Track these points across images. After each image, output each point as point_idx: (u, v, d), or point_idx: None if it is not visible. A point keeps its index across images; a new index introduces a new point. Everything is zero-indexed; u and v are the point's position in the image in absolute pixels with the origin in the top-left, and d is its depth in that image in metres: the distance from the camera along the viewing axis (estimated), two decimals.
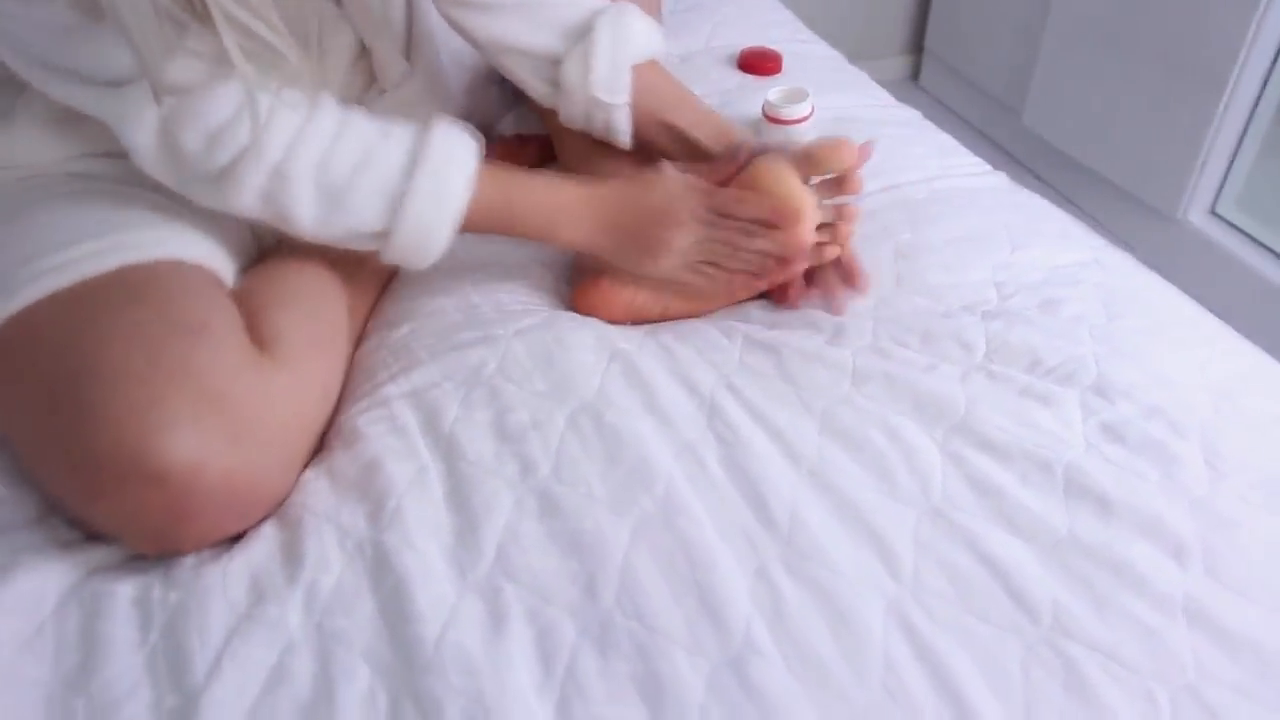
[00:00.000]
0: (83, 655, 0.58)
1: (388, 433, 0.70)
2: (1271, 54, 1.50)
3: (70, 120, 0.72)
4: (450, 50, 0.96)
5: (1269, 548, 0.60)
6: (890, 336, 0.75)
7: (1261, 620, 0.56)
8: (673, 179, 0.77)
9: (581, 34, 0.83)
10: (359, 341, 0.83)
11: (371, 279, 0.87)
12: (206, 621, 0.59)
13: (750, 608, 0.58)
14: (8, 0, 0.60)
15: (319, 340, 0.74)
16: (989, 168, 0.96)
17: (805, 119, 0.95)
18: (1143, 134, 1.68)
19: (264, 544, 0.64)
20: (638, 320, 0.81)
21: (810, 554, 0.61)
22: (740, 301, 0.82)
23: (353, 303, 0.82)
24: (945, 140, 1.01)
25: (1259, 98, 1.54)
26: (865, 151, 0.76)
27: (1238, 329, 0.78)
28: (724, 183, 0.79)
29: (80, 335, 0.62)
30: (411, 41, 0.93)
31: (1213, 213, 1.66)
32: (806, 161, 0.76)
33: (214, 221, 0.75)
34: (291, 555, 0.63)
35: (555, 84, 0.85)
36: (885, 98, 1.09)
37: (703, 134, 0.85)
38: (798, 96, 0.95)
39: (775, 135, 0.96)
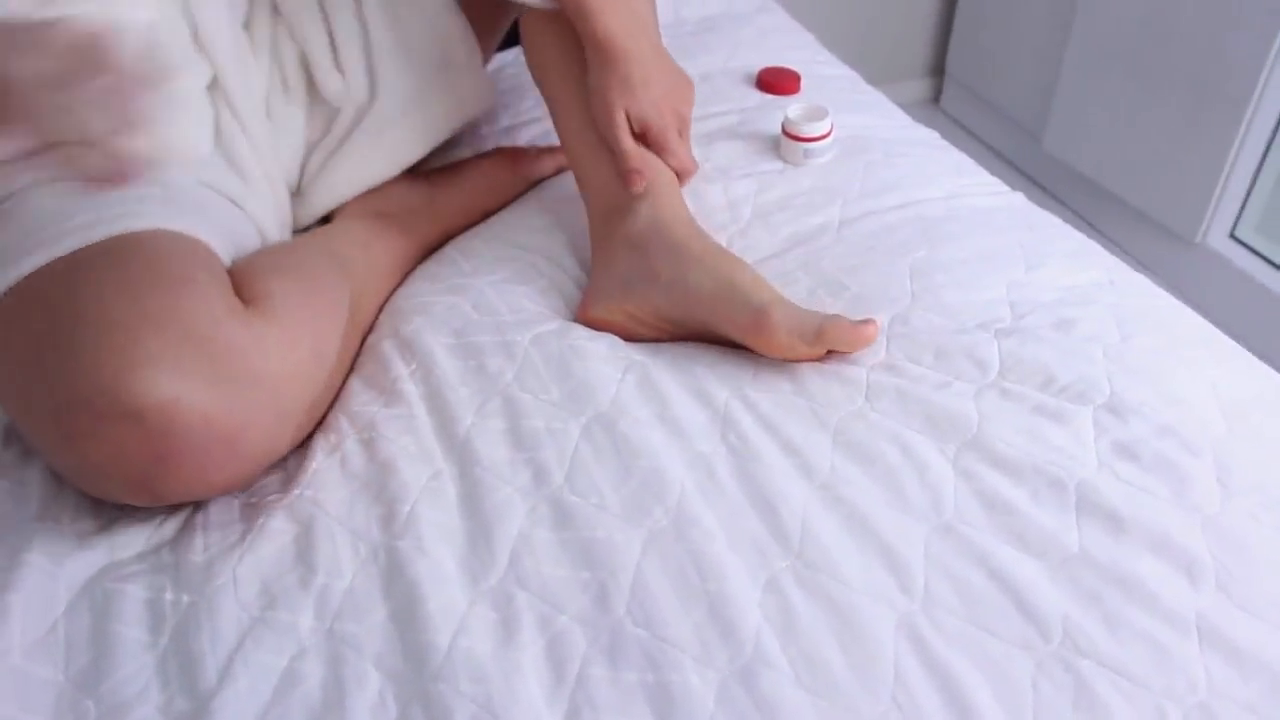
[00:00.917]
0: (94, 656, 0.59)
1: (404, 432, 0.71)
2: None
3: None
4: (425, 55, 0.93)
5: None
6: (904, 353, 0.75)
7: (1273, 639, 0.56)
8: None
9: None
10: (369, 329, 0.84)
11: (381, 272, 0.88)
12: (218, 624, 0.60)
13: (761, 619, 0.58)
14: None
15: (310, 304, 0.75)
16: (1006, 188, 0.96)
17: (824, 136, 0.96)
18: (1163, 158, 1.68)
19: (274, 544, 0.64)
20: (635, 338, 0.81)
21: (821, 567, 0.61)
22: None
23: (360, 290, 0.83)
24: (962, 160, 1.01)
25: None
26: (874, 333, 0.74)
27: (1257, 352, 0.78)
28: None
29: (68, 292, 0.63)
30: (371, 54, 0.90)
31: (1232, 236, 1.65)
32: (818, 338, 0.73)
33: (219, 213, 0.76)
34: (303, 559, 0.63)
35: None
36: (903, 118, 1.10)
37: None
38: (817, 115, 0.96)
39: (794, 151, 0.97)
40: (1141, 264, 1.76)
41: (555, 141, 0.98)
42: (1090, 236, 0.90)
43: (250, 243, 0.83)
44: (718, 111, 1.07)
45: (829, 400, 0.72)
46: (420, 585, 0.61)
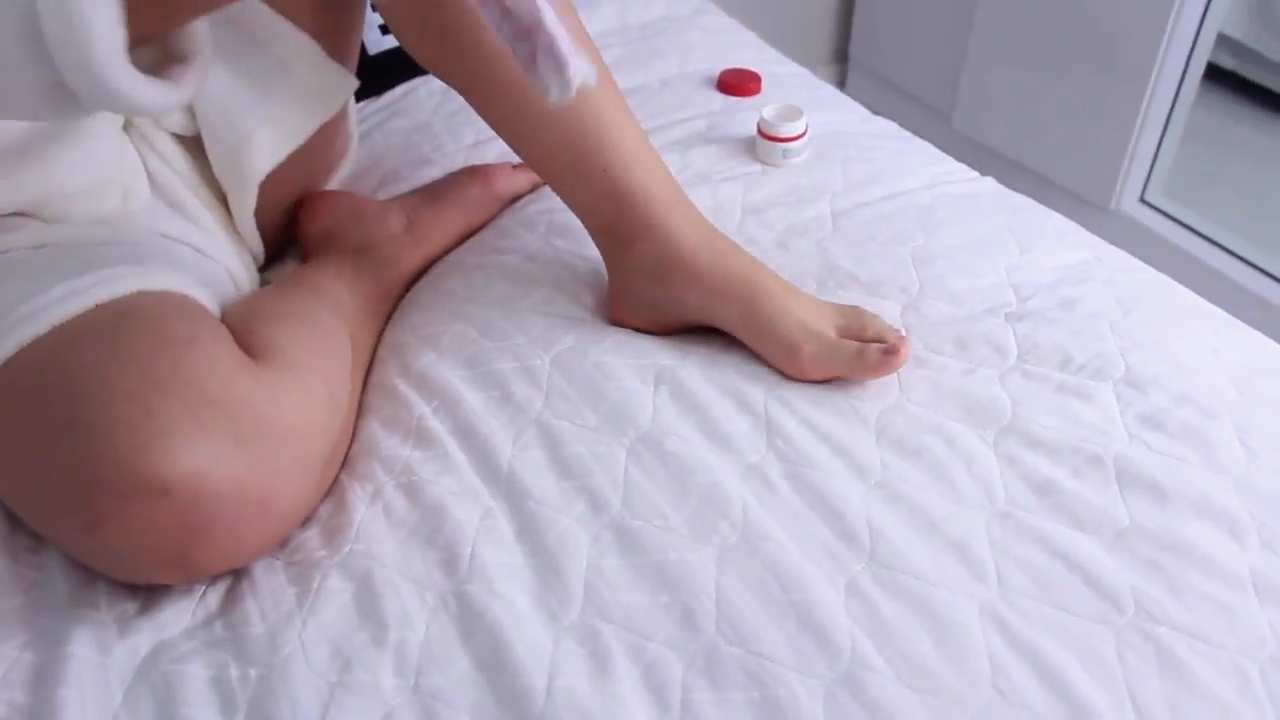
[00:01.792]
0: None
1: (443, 472, 0.69)
2: (1188, 46, 1.59)
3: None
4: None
5: None
6: (924, 343, 0.77)
7: None
8: None
9: None
10: (370, 367, 0.81)
11: (370, 307, 0.85)
12: (296, 695, 0.57)
13: (850, 623, 0.59)
14: None
15: (318, 349, 0.72)
16: (976, 173, 1.00)
17: (801, 136, 0.97)
18: (1073, 130, 1.76)
19: (335, 604, 0.62)
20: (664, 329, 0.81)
21: (895, 564, 0.62)
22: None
23: (355, 327, 0.81)
24: (929, 148, 1.04)
25: (1179, 88, 1.63)
26: (905, 357, 0.74)
27: None
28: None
29: (65, 369, 0.60)
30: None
31: (1143, 201, 1.75)
32: (850, 371, 0.74)
33: (191, 265, 0.73)
34: (370, 615, 0.61)
35: None
36: (861, 111, 1.12)
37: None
38: (792, 115, 0.97)
39: (772, 152, 0.98)
40: None
41: None
42: None
43: (226, 288, 0.80)
44: (685, 117, 1.07)
45: (865, 395, 0.73)
46: (501, 629, 0.59)
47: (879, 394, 0.73)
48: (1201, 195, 1.76)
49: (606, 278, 0.83)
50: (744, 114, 1.05)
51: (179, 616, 0.63)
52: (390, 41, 1.18)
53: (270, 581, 0.64)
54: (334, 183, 1.01)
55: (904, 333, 0.77)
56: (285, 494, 0.63)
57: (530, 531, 0.65)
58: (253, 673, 0.59)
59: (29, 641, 0.60)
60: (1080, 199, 1.80)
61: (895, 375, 0.74)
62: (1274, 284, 1.60)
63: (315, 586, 0.63)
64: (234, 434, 0.59)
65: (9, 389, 0.61)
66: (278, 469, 0.62)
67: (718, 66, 1.16)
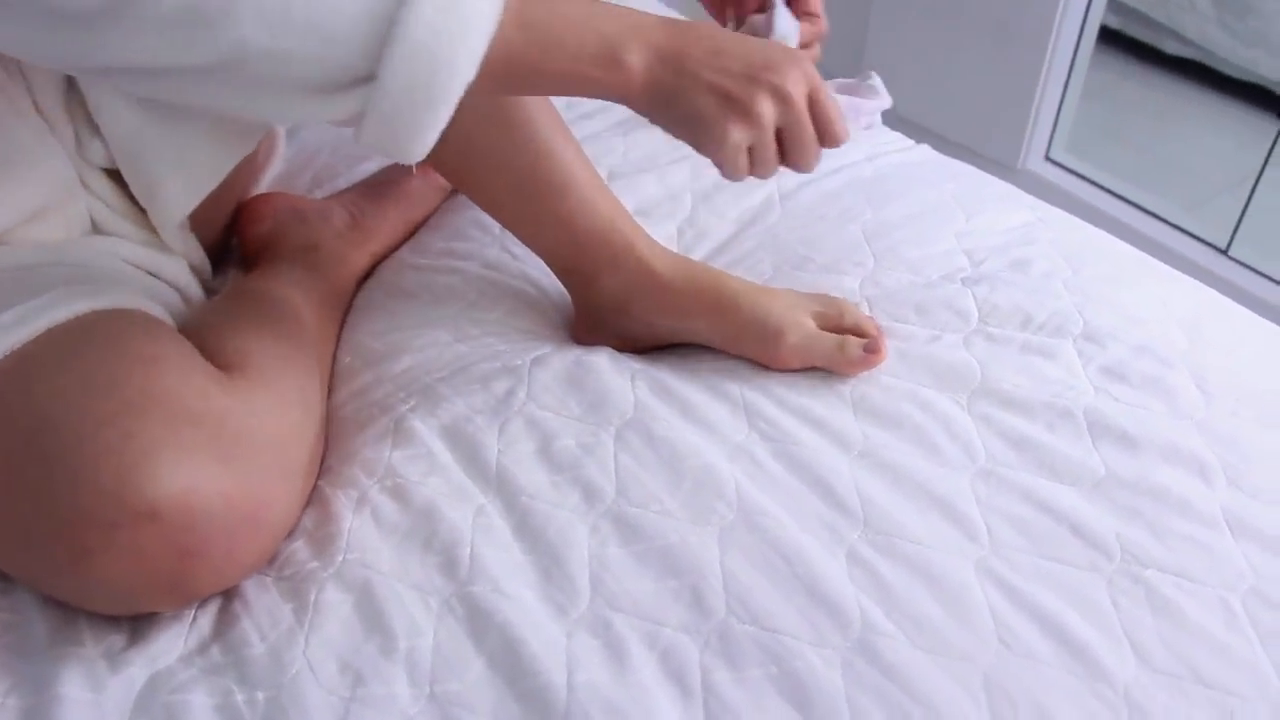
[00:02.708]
0: None
1: (429, 473, 0.68)
2: (1083, 8, 1.65)
3: None
4: None
5: (1273, 456, 0.67)
6: (886, 313, 0.79)
7: None
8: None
9: None
10: (333, 371, 0.79)
11: (325, 310, 0.83)
12: (310, 714, 0.55)
13: (856, 592, 0.60)
14: None
15: (284, 355, 0.71)
16: (911, 141, 1.02)
17: None
18: (977, 94, 1.82)
19: (336, 617, 0.60)
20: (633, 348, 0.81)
21: (890, 530, 0.63)
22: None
23: (315, 332, 0.78)
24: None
25: (1076, 48, 1.70)
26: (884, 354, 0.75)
27: None
28: None
29: (29, 396, 0.57)
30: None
31: (1048, 159, 1.81)
32: (832, 368, 0.74)
33: (139, 282, 0.71)
34: (376, 625, 0.60)
35: None
36: None
37: None
38: None
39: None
40: None
41: None
42: None
43: (176, 304, 0.76)
44: None
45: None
46: (513, 628, 0.58)
47: None
48: (1102, 151, 1.84)
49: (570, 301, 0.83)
50: None
51: (171, 644, 0.60)
52: None
53: (263, 599, 0.62)
54: (266, 182, 0.97)
55: (879, 325, 0.77)
56: (273, 506, 0.61)
57: (527, 527, 0.65)
58: (260, 695, 0.57)
59: (12, 687, 0.56)
60: (988, 159, 1.86)
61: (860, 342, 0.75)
62: (1174, 231, 1.69)
63: (312, 600, 0.61)
64: (217, 450, 0.57)
65: None
66: (264, 481, 0.60)
67: None
